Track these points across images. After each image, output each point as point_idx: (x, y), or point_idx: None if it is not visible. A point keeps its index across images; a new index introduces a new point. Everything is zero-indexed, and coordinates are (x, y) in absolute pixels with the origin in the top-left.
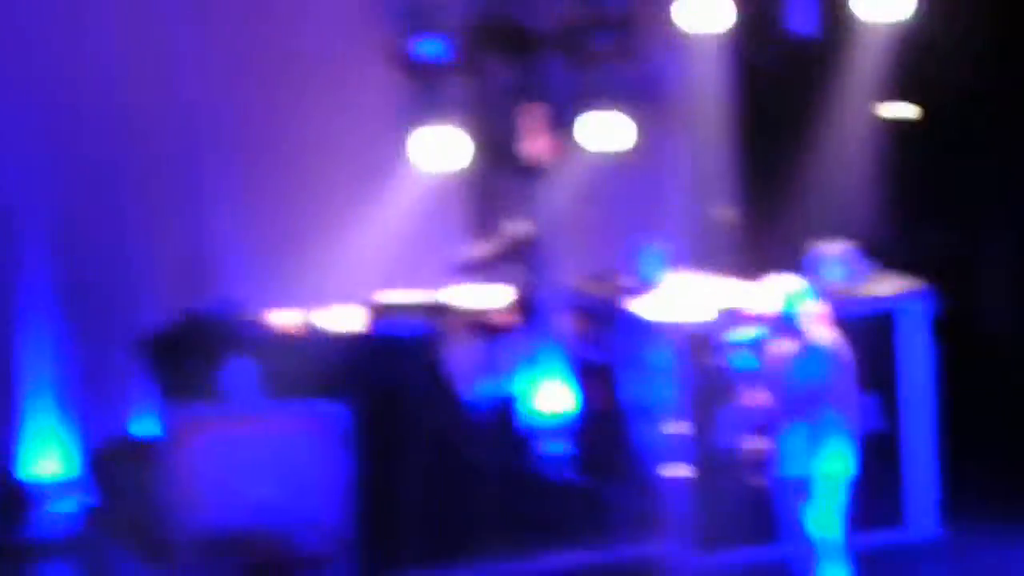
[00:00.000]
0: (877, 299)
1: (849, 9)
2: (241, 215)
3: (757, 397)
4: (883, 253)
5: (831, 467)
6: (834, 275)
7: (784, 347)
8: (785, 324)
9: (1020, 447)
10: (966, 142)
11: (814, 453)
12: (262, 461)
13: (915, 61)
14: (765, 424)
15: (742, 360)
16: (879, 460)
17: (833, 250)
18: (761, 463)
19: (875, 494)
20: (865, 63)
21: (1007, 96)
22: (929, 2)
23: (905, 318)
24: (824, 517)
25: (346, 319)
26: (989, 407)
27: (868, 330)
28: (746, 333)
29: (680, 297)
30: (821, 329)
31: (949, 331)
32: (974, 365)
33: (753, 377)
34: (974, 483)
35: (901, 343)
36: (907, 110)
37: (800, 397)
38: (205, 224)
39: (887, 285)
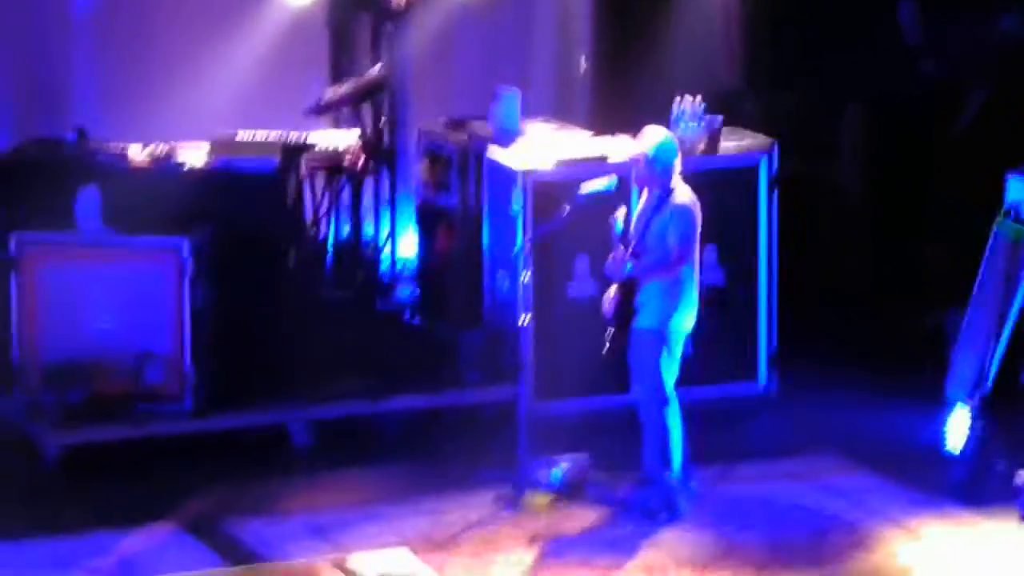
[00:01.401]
0: (727, 156)
1: None
2: (95, 44)
3: (620, 251)
4: (738, 110)
5: (681, 321)
6: (688, 130)
7: (644, 201)
8: (650, 175)
9: (853, 306)
10: (825, 3)
11: (668, 306)
12: (106, 292)
13: None
14: (626, 278)
15: (619, 220)
16: (717, 314)
17: (688, 105)
18: (619, 315)
19: (712, 347)
20: None
21: None
22: None
23: (753, 174)
24: (667, 369)
25: (196, 154)
26: (830, 266)
27: (717, 185)
28: (598, 183)
29: (536, 145)
30: (684, 189)
31: (797, 191)
32: (820, 226)
33: (618, 232)
34: (808, 338)
35: (747, 199)
36: None
37: (658, 253)
38: (57, 51)
39: (738, 142)
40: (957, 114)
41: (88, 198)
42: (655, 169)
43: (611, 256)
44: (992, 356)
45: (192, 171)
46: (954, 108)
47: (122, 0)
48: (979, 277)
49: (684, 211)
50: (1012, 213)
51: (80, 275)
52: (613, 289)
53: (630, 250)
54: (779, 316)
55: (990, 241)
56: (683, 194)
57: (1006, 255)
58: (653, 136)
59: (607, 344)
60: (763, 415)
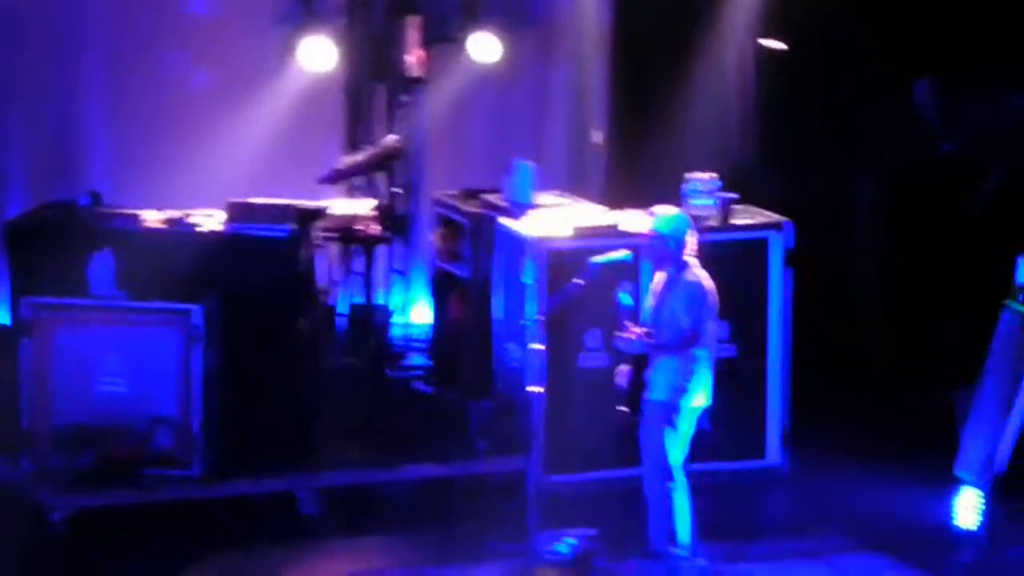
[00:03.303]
0: (739, 229)
1: None
2: (111, 110)
3: (632, 328)
4: (752, 187)
5: (691, 397)
6: (701, 204)
7: (658, 278)
8: (663, 253)
9: (865, 382)
10: (842, 79)
11: (679, 381)
12: (117, 357)
13: None
14: (639, 353)
15: (624, 294)
16: (729, 386)
17: (702, 180)
18: (630, 390)
19: (724, 423)
20: None
21: (885, 37)
22: None
23: (765, 250)
24: (678, 443)
25: (210, 219)
26: (841, 343)
27: (729, 260)
28: (611, 255)
29: (549, 216)
30: (697, 267)
31: (809, 267)
32: (831, 302)
33: (629, 309)
34: (822, 413)
35: (759, 274)
36: (780, 44)
37: (672, 331)
38: (73, 116)
39: (750, 217)
40: (973, 192)
41: (101, 262)
42: (668, 246)
43: (620, 331)
44: (1002, 436)
45: (205, 236)
46: (970, 185)
47: (137, 66)
48: (989, 356)
49: (697, 289)
50: (1023, 293)
51: (91, 340)
52: (625, 363)
53: (642, 327)
54: (791, 392)
55: (1000, 320)
56: (696, 272)
57: (1017, 335)
58: (665, 214)
59: (618, 416)
60: (774, 492)
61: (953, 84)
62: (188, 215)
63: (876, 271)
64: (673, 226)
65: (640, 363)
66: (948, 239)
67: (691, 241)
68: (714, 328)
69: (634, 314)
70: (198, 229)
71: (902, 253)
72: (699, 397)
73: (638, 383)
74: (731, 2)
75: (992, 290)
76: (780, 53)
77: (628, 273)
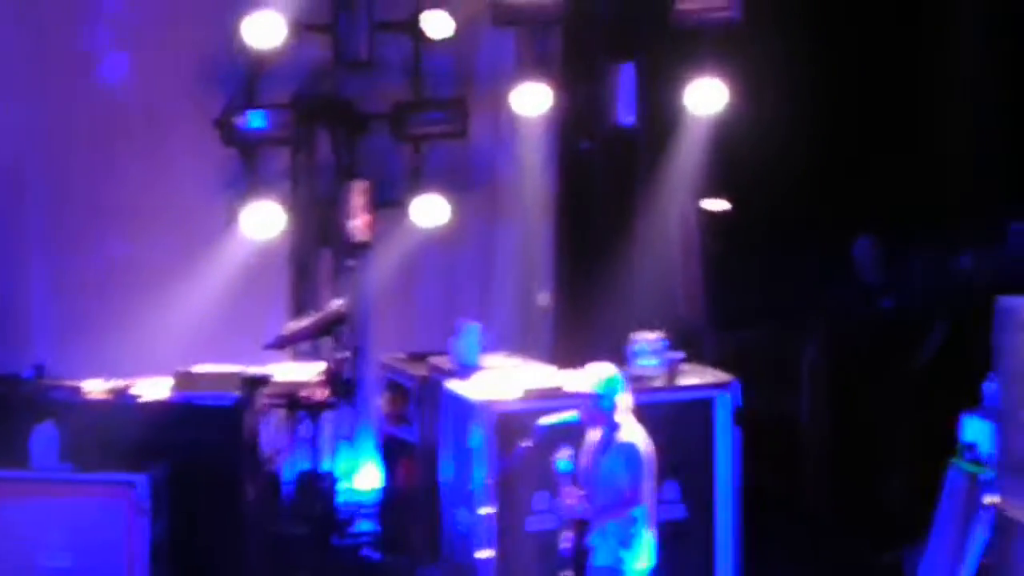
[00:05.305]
0: (686, 389)
1: (670, 102)
2: (55, 278)
3: (573, 492)
4: (698, 347)
5: (636, 559)
6: (647, 364)
7: (592, 439)
8: (596, 413)
9: (811, 541)
10: (783, 238)
11: (621, 545)
12: (61, 530)
13: (732, 155)
14: (579, 517)
15: (563, 460)
16: (679, 548)
17: (647, 340)
18: (574, 554)
19: None
20: (684, 155)
21: (826, 197)
22: (746, 98)
23: (712, 410)
24: None
25: (155, 388)
26: (789, 500)
27: (676, 420)
28: (558, 417)
29: (496, 379)
30: (632, 426)
31: (755, 423)
32: (778, 459)
33: (570, 472)
34: (772, 571)
35: (707, 434)
36: (723, 203)
37: (609, 493)
38: (16, 287)
39: (697, 376)
40: (915, 348)
41: (43, 434)
42: (600, 406)
43: (560, 495)
44: None
45: (149, 406)
46: (911, 341)
47: (80, 236)
48: (936, 515)
49: (631, 450)
50: (968, 452)
51: (34, 513)
52: (568, 528)
53: (582, 490)
54: (741, 550)
55: (947, 479)
56: (630, 431)
57: (963, 494)
58: (597, 373)
59: None
60: None
61: (892, 242)
62: (132, 384)
63: (822, 428)
64: (606, 386)
65: (582, 528)
66: (893, 396)
67: (624, 400)
68: (652, 487)
69: (573, 478)
70: (142, 399)
71: (848, 409)
72: (643, 558)
73: (581, 549)
74: (674, 163)
75: (937, 447)
76: (723, 213)
77: (575, 435)
